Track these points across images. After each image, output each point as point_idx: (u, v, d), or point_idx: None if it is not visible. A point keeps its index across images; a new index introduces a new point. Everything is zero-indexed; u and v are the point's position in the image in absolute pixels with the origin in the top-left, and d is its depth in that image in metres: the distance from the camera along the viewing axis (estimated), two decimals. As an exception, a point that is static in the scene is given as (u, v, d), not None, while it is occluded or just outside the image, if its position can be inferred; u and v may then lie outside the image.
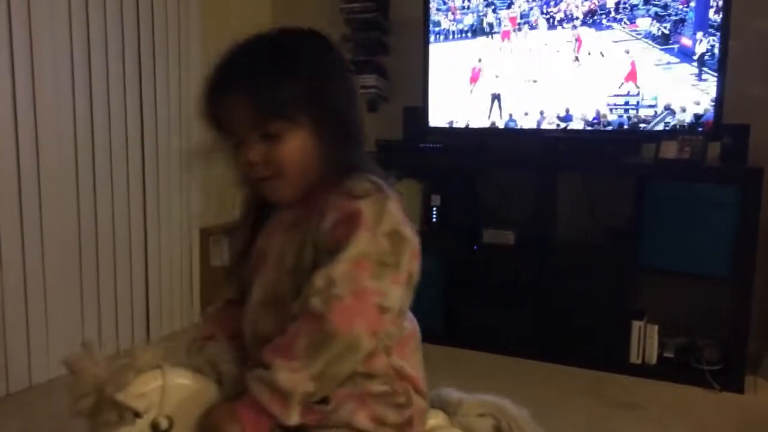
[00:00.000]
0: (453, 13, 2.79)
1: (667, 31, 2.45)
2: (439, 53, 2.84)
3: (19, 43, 2.16)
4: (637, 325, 2.48)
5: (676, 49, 2.44)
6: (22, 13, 2.16)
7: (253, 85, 0.95)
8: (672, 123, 2.47)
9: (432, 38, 2.84)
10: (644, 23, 2.48)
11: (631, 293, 2.56)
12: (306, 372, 0.87)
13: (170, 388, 0.89)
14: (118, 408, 0.84)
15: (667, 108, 2.47)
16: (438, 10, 2.82)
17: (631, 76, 2.51)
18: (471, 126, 2.81)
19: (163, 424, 0.89)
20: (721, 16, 2.35)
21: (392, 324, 0.96)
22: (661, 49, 2.46)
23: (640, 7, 2.49)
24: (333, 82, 1.01)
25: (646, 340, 2.48)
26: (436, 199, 2.78)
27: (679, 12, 2.42)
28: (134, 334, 2.69)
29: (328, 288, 0.88)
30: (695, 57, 2.41)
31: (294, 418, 0.89)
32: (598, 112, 2.58)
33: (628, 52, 2.51)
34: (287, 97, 0.95)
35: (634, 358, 2.49)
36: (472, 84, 2.79)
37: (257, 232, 1.08)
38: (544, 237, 2.64)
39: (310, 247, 0.96)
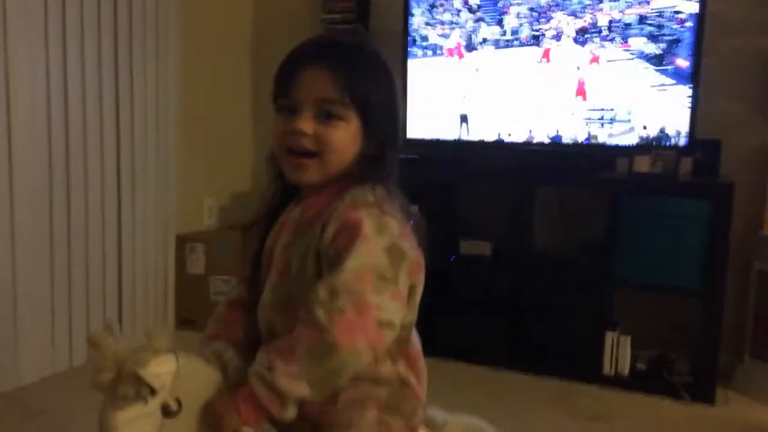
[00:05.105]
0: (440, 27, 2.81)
1: (661, 52, 2.46)
2: (418, 66, 2.86)
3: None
4: (610, 336, 2.50)
5: (670, 70, 2.45)
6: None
7: (340, 63, 1.00)
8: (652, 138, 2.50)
9: (420, 53, 2.85)
10: (637, 43, 2.50)
11: (605, 305, 2.59)
12: (304, 379, 0.91)
13: (182, 372, 0.93)
14: (136, 383, 0.88)
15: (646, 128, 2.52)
16: (427, 24, 2.82)
17: (581, 91, 2.57)
18: (448, 138, 2.83)
19: (173, 406, 0.93)
20: (694, 33, 2.40)
21: (397, 339, 0.98)
22: (656, 70, 2.47)
23: (633, 26, 2.50)
24: (396, 97, 1.08)
25: (618, 352, 2.50)
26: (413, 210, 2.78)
27: (675, 32, 2.44)
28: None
29: (331, 299, 0.91)
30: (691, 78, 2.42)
31: (290, 415, 0.93)
32: (573, 128, 2.61)
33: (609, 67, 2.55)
34: (362, 87, 1.01)
35: (607, 369, 2.51)
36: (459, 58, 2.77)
37: (269, 230, 1.12)
38: (519, 249, 2.66)
39: (313, 255, 0.99)
